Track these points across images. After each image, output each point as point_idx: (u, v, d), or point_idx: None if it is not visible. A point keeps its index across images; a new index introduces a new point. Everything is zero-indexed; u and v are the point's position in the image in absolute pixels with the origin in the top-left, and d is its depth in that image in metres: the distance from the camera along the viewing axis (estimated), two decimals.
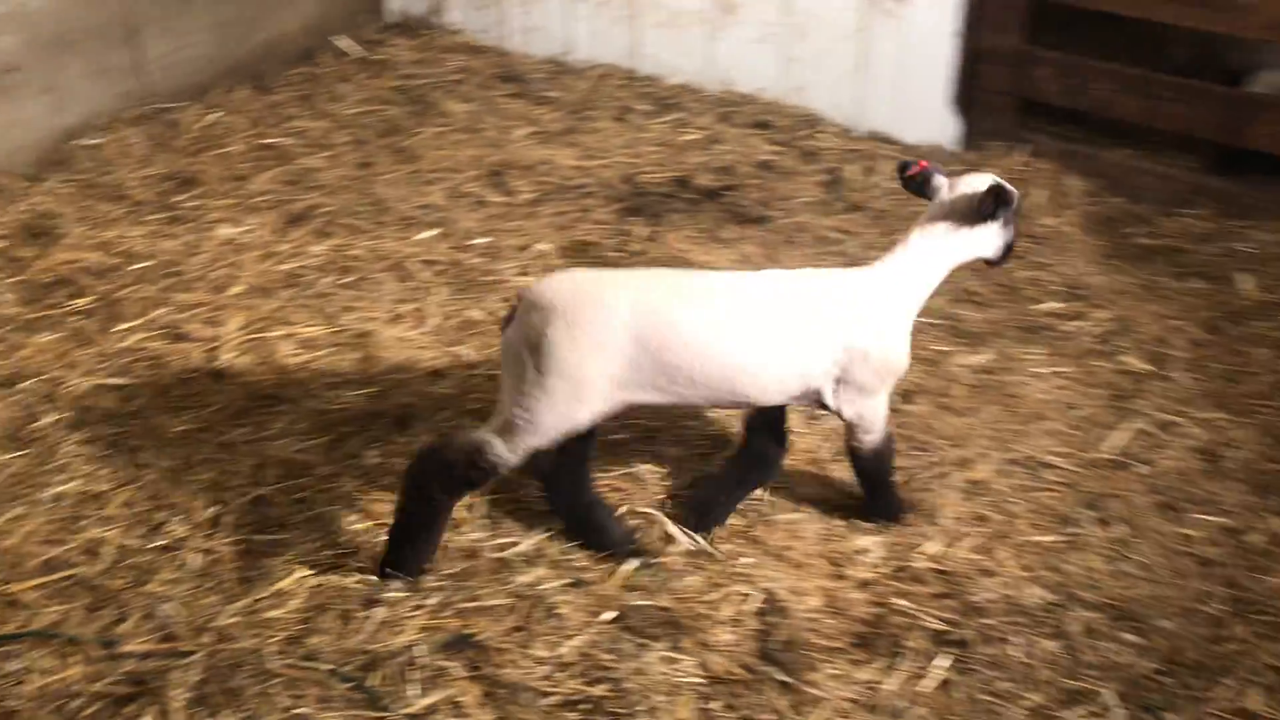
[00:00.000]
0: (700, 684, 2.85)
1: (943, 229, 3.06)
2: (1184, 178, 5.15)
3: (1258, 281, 4.49)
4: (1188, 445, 3.69)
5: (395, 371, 3.90)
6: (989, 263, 3.20)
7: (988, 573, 3.19)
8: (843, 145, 5.51)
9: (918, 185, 3.13)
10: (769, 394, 3.00)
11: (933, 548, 3.26)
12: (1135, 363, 4.04)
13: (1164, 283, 4.54)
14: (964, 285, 4.49)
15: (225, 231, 4.67)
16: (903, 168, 3.15)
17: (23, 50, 4.97)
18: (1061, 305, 4.38)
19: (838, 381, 3.01)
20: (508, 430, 2.85)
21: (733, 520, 3.33)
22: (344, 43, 6.37)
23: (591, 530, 3.20)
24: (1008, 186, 3.03)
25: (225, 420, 3.68)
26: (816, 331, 2.95)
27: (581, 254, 4.59)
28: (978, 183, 3.05)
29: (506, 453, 2.86)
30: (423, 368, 3.93)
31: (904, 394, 3.86)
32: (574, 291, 2.82)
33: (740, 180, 5.18)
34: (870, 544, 3.28)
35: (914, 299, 3.08)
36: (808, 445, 3.63)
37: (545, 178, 5.13)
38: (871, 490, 3.32)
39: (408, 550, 3.03)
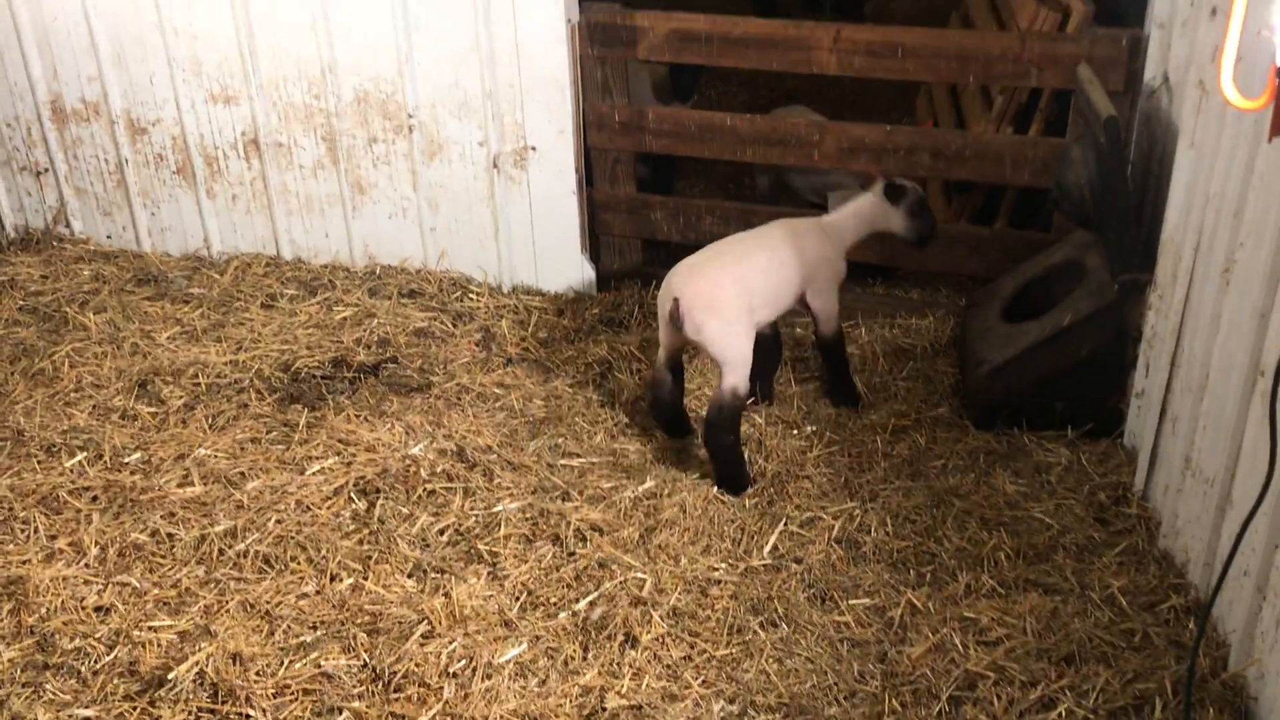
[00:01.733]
0: None
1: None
2: None
3: (865, 377, 5.12)
4: (830, 537, 4.13)
5: (56, 615, 3.71)
6: (911, 244, 4.79)
7: (674, 698, 3.43)
8: (493, 303, 5.80)
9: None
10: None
11: (623, 684, 3.47)
12: (770, 466, 4.49)
13: (789, 390, 5.07)
14: (621, 421, 4.84)
15: None
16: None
17: None
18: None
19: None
20: (735, 372, 4.30)
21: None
22: None
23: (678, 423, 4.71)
24: (906, 184, 4.70)
25: None
26: None
27: (242, 454, 4.56)
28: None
29: (745, 383, 4.33)
30: (88, 606, 3.76)
31: (525, 538, 4.10)
32: (710, 281, 4.33)
33: (398, 351, 5.33)
34: (565, 691, 3.44)
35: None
36: (498, 606, 3.77)
37: (196, 380, 5.06)
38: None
39: (743, 470, 4.44)
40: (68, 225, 6.42)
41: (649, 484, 4.42)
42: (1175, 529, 3.89)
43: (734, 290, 4.32)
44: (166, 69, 5.84)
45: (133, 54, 5.85)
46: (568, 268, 5.89)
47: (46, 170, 6.28)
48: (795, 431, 4.77)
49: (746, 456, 4.49)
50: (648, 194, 5.96)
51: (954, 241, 5.51)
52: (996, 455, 4.57)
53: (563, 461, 4.57)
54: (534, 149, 5.63)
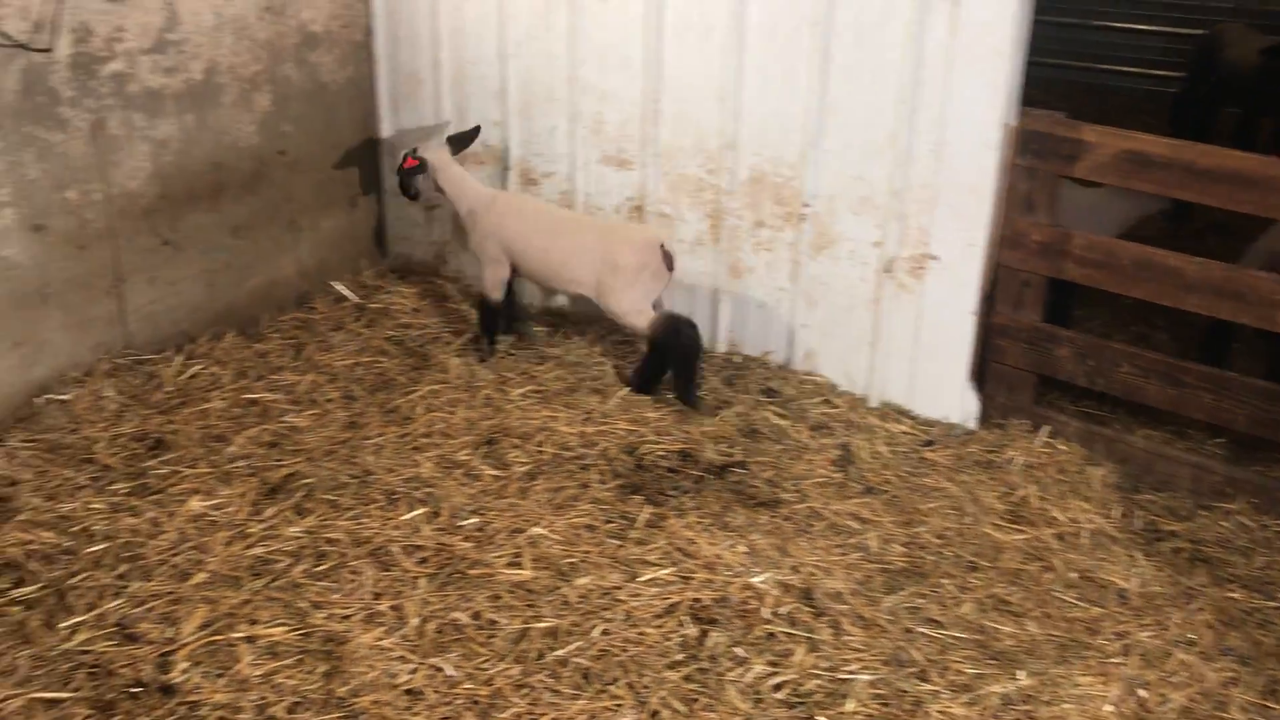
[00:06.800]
0: None
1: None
2: (1216, 468, 4.89)
3: None
4: None
5: (366, 691, 3.48)
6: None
7: None
8: (854, 418, 5.25)
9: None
10: None
11: None
12: (1177, 699, 3.65)
13: (1207, 590, 4.19)
14: (995, 592, 4.15)
15: (196, 505, 4.32)
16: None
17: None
18: (1100, 611, 4.02)
19: None
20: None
21: None
22: (341, 287, 6.19)
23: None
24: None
25: None
26: None
27: (577, 541, 4.24)
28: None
29: None
30: (399, 686, 3.52)
31: None
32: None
33: (748, 454, 4.89)
34: None
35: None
36: None
37: (542, 447, 4.82)
38: None
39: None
40: (449, 263, 6.47)
41: (1024, 680, 3.71)
42: None
43: None
44: (568, 124, 5.75)
45: (539, 106, 5.80)
46: (948, 393, 5.25)
47: (439, 205, 6.37)
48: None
49: None
50: (1054, 325, 5.22)
51: None
52: None
53: (921, 629, 3.94)
54: (936, 258, 5.06)
